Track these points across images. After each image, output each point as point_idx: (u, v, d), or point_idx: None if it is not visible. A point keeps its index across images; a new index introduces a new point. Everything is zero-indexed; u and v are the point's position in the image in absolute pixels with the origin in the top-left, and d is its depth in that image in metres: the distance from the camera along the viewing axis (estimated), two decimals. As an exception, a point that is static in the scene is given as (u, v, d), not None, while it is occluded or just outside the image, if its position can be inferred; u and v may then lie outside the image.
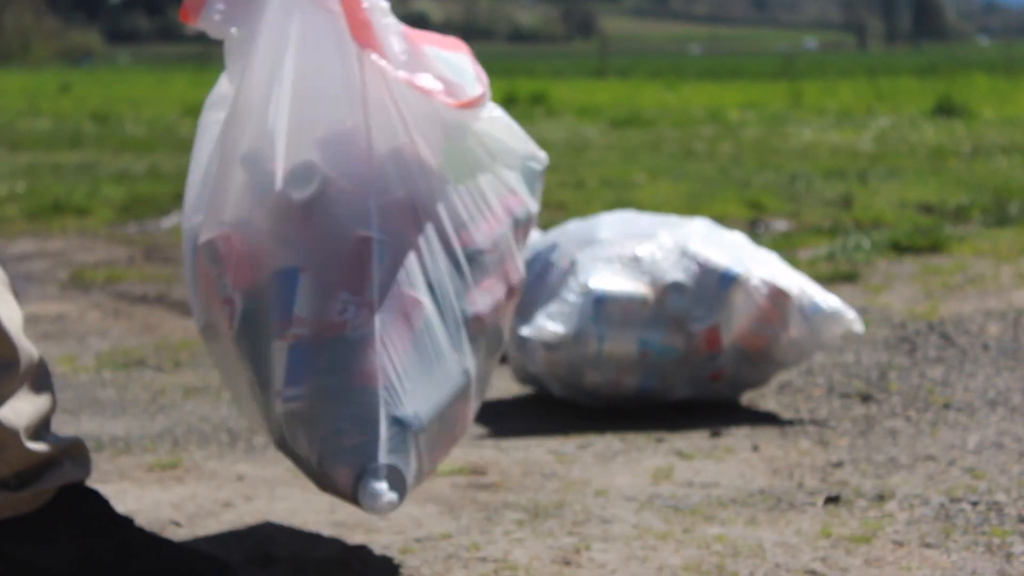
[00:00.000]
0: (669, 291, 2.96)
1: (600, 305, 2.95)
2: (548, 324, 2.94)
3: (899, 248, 5.14)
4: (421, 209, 1.87)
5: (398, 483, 1.80)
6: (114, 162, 9.59)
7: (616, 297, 2.95)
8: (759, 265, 3.02)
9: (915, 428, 2.85)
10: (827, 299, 3.01)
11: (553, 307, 2.97)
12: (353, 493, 1.79)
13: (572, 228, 3.20)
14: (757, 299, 2.97)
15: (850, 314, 3.01)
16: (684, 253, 3.02)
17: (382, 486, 1.77)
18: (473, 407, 1.99)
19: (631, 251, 3.03)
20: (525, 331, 2.95)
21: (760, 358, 3.02)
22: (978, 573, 2.00)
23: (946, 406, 3.01)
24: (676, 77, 23.94)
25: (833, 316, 2.99)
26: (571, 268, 3.03)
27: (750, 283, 2.97)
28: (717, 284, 2.98)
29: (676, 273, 2.99)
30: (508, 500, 2.39)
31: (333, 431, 1.79)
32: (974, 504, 2.31)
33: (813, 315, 2.99)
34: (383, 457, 1.78)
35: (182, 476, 2.56)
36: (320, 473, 1.84)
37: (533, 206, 2.05)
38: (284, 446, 1.89)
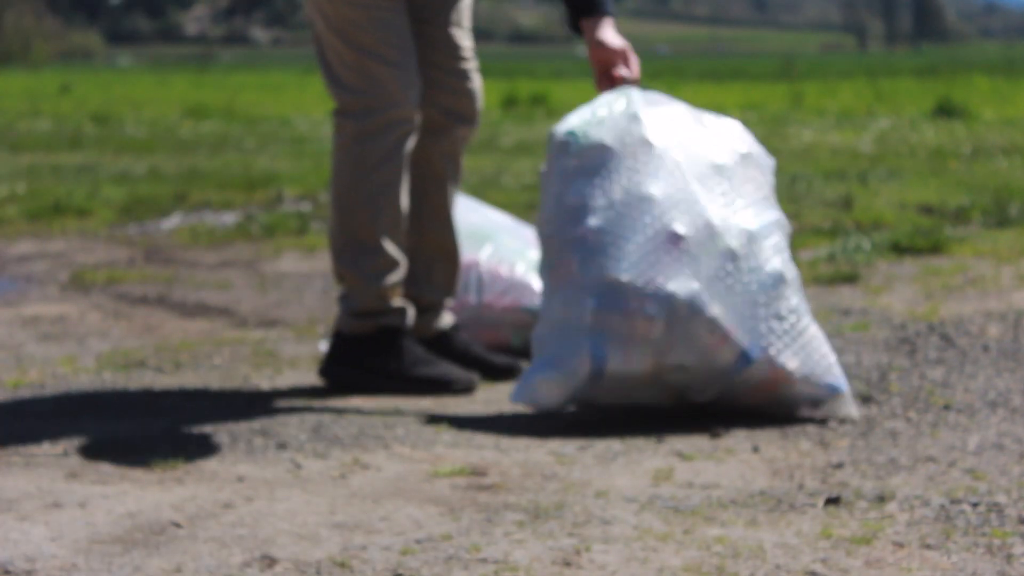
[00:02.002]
0: (673, 370, 2.89)
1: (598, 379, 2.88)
2: (542, 388, 2.88)
3: (899, 249, 5.13)
4: None
5: None
6: (114, 163, 9.59)
7: (616, 373, 2.88)
8: (775, 339, 2.88)
9: (915, 429, 2.85)
10: (830, 377, 2.91)
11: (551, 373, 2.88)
12: None
13: None
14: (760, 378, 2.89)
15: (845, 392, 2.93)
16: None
17: None
18: None
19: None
20: (515, 398, 2.91)
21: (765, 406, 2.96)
22: (978, 574, 2.00)
23: (946, 407, 3.01)
24: (677, 78, 23.93)
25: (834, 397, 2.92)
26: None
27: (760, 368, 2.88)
28: (730, 367, 2.88)
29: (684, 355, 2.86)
30: (508, 501, 2.39)
31: None
32: (974, 505, 2.31)
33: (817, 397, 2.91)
34: None
35: (182, 477, 2.56)
36: None
37: None
38: None
